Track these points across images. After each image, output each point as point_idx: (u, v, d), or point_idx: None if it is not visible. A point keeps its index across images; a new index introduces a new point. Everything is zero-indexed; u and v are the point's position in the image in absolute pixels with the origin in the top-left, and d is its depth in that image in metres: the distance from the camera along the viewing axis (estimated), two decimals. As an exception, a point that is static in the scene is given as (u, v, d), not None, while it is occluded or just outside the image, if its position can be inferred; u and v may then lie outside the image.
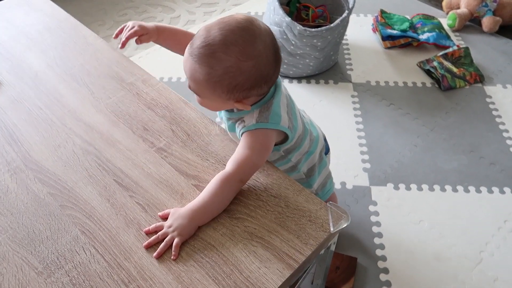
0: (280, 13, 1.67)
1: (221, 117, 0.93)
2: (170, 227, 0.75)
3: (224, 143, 0.92)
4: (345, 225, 0.78)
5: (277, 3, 1.69)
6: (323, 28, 1.70)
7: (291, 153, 0.95)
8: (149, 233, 0.76)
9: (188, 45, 0.78)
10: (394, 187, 1.49)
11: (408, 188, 1.48)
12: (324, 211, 0.80)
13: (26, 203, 0.81)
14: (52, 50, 1.17)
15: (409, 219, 1.39)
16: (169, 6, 2.40)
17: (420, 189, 1.48)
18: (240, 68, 0.75)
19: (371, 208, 1.42)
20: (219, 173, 0.79)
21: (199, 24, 2.27)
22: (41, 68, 1.11)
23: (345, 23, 1.78)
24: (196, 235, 0.76)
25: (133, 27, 0.93)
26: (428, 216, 1.40)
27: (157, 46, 2.10)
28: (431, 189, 1.48)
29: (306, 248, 0.73)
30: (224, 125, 0.94)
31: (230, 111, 0.88)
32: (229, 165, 0.80)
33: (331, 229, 0.77)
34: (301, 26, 1.67)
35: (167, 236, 0.74)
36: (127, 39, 0.93)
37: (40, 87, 1.06)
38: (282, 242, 0.75)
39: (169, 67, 1.98)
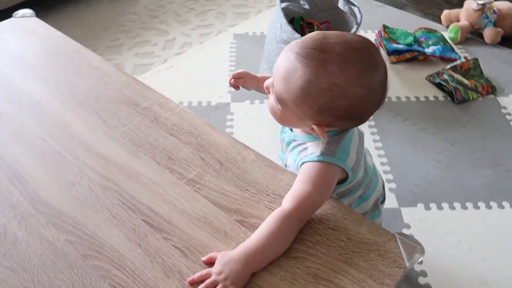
0: (288, 30, 1.59)
1: (282, 138, 0.83)
2: (220, 274, 0.62)
3: (263, 170, 0.81)
4: (421, 259, 0.67)
5: (284, 20, 1.62)
6: (333, 44, 1.62)
7: (344, 197, 0.84)
8: (194, 283, 0.63)
9: (292, 44, 0.68)
10: (425, 207, 1.39)
11: (439, 208, 1.39)
12: (393, 242, 0.69)
13: (41, 254, 0.67)
14: (53, 75, 1.05)
15: (447, 241, 1.29)
16: (162, 29, 2.31)
17: (452, 207, 1.39)
18: (346, 91, 0.65)
19: (405, 231, 1.32)
20: (275, 211, 0.68)
21: (196, 46, 2.17)
22: (42, 95, 0.99)
23: (353, 38, 1.71)
24: (251, 282, 0.63)
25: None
26: (466, 237, 1.30)
27: (155, 70, 2.01)
28: (464, 207, 1.39)
29: (383, 290, 0.62)
30: (281, 145, 0.83)
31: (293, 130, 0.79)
32: (287, 202, 0.68)
33: (406, 264, 0.66)
34: (310, 43, 1.59)
35: (217, 285, 0.62)
36: (232, 77, 0.92)
37: (43, 116, 0.93)
38: (353, 283, 0.63)
39: (172, 92, 1.86)
